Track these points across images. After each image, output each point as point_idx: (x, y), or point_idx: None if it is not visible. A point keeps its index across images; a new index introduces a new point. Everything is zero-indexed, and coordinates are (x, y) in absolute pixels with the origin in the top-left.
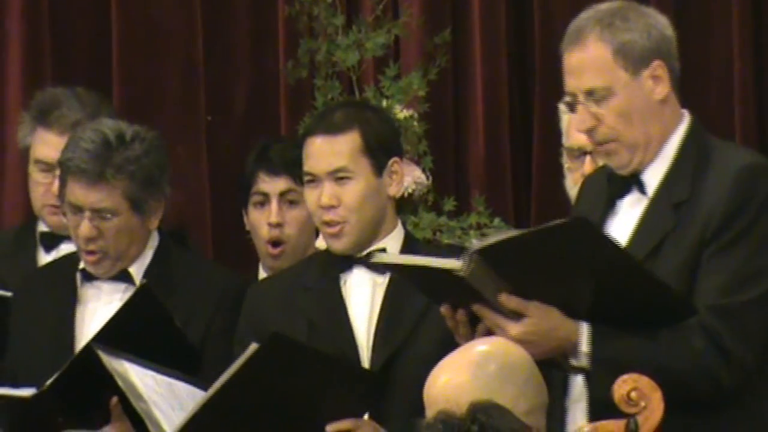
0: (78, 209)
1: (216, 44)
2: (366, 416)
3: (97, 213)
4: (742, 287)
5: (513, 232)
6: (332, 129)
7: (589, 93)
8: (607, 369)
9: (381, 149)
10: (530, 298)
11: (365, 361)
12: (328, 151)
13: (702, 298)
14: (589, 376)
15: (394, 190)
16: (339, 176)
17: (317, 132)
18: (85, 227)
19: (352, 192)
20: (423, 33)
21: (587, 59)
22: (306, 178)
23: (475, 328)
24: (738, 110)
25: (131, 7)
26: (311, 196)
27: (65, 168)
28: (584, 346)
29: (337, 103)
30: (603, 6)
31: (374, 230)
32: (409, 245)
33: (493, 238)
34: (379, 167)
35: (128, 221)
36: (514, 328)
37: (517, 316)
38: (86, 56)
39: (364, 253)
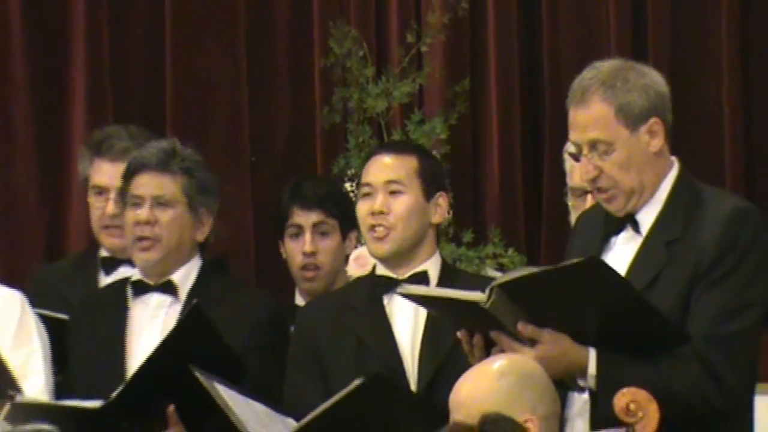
0: (140, 199)
1: (259, 92)
2: None
3: (157, 200)
4: (733, 319)
5: (533, 269)
6: (395, 150)
7: (593, 146)
8: (613, 390)
9: (432, 179)
10: (544, 326)
11: (411, 375)
12: (388, 165)
13: (696, 328)
14: (597, 396)
15: (437, 219)
16: (392, 189)
17: (381, 152)
18: (144, 213)
19: (402, 203)
20: (444, 82)
21: (591, 117)
22: (363, 190)
23: (488, 351)
24: (728, 156)
25: (183, 59)
26: (364, 206)
27: (133, 165)
28: (592, 369)
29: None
30: (605, 66)
31: (414, 246)
32: (447, 271)
33: (514, 274)
34: (428, 193)
35: (182, 217)
36: (530, 353)
37: (531, 342)
38: (143, 102)
39: (406, 275)
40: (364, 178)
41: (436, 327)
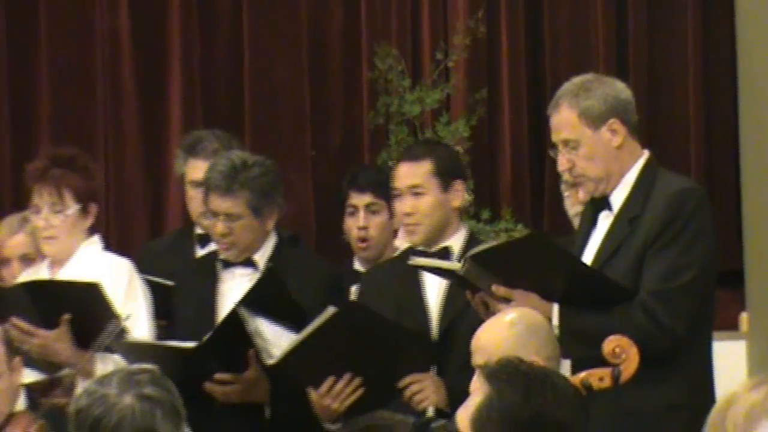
0: (215, 214)
1: (318, 99)
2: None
3: (228, 217)
4: (674, 277)
5: (494, 243)
6: (412, 158)
7: (565, 143)
8: (573, 337)
9: (448, 173)
10: (515, 287)
11: (434, 328)
12: (409, 173)
13: (645, 285)
14: (561, 341)
15: (457, 203)
16: (415, 192)
17: (403, 160)
18: (220, 227)
19: (424, 203)
20: (466, 91)
21: (561, 120)
22: (394, 192)
23: (488, 309)
24: (693, 148)
25: (258, 72)
26: (397, 206)
27: (206, 185)
28: (555, 320)
29: (421, 140)
30: (576, 79)
31: (441, 231)
32: (470, 243)
33: (480, 247)
34: (445, 185)
35: (250, 223)
36: (516, 306)
37: (506, 300)
38: (226, 110)
39: (434, 249)
40: (393, 183)
41: (454, 291)
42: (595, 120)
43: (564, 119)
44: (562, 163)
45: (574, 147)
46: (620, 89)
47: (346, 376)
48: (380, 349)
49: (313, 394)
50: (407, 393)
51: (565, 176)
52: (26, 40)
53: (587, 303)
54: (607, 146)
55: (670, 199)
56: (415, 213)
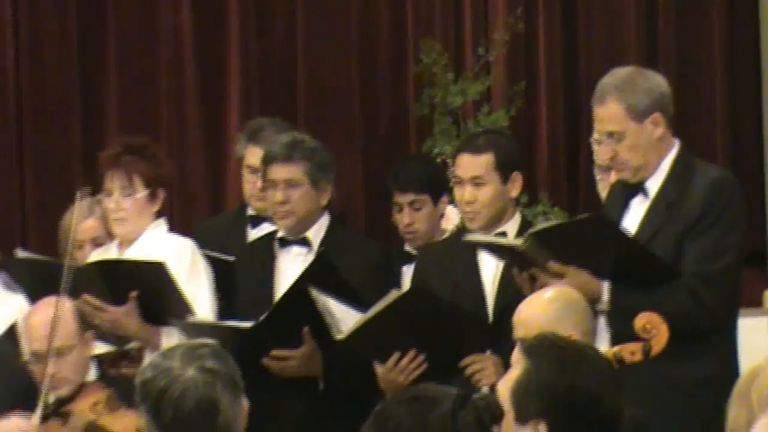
0: (275, 184)
1: (367, 92)
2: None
3: (287, 184)
4: (715, 259)
5: (555, 222)
6: (475, 150)
7: (610, 135)
8: (621, 313)
9: (508, 165)
10: (569, 264)
11: (490, 310)
12: (471, 164)
13: (687, 267)
14: (610, 317)
15: (514, 193)
16: (476, 182)
17: (466, 150)
18: (279, 195)
19: (484, 194)
20: (506, 84)
21: (608, 113)
22: (455, 178)
23: (534, 284)
24: (719, 138)
25: (311, 67)
26: (457, 192)
27: (268, 157)
28: (605, 296)
29: (483, 130)
30: (620, 73)
31: (498, 219)
32: (522, 229)
33: (543, 225)
34: (505, 177)
35: (308, 193)
36: (558, 284)
37: (559, 276)
38: (281, 103)
39: (471, 236)
40: (455, 170)
41: (509, 274)
42: (639, 114)
43: (610, 112)
44: (605, 152)
45: (619, 139)
46: (661, 83)
47: (411, 352)
48: (443, 329)
49: (379, 369)
50: (468, 371)
51: (599, 162)
52: (96, 38)
53: (635, 281)
54: (649, 138)
55: (710, 186)
56: (475, 202)
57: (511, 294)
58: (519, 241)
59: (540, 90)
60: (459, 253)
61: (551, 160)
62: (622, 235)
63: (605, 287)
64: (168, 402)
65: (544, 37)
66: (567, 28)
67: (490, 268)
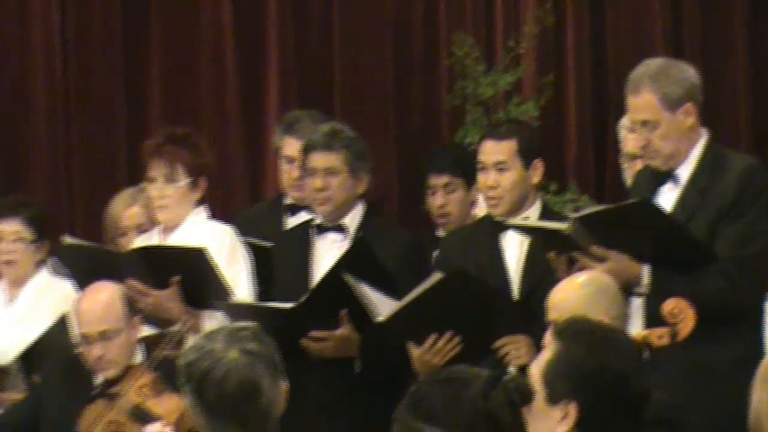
0: (314, 172)
1: (401, 83)
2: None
3: (326, 171)
4: (750, 243)
5: (600, 207)
6: (499, 136)
7: (643, 123)
8: (660, 296)
9: (530, 152)
10: (610, 248)
11: (516, 291)
12: (495, 150)
13: (722, 251)
14: (649, 300)
15: (536, 179)
16: (500, 167)
17: (490, 137)
18: (318, 182)
19: (507, 179)
20: (535, 75)
21: (642, 103)
22: (479, 165)
23: (571, 268)
24: (742, 126)
25: (347, 60)
26: (481, 178)
27: (308, 145)
28: (645, 279)
29: (507, 120)
30: (653, 63)
31: (520, 204)
32: (544, 215)
33: (588, 210)
34: (527, 163)
35: (345, 181)
36: (599, 267)
37: (601, 260)
38: (318, 94)
39: (514, 219)
40: (479, 156)
41: (534, 256)
42: (673, 104)
43: (644, 102)
44: (638, 140)
45: (652, 127)
46: (693, 74)
47: (448, 334)
48: (479, 311)
49: (415, 351)
50: (502, 351)
51: (627, 150)
52: (140, 33)
53: (674, 264)
54: (680, 127)
55: (742, 172)
56: (499, 187)
57: (536, 276)
58: (564, 226)
59: (568, 81)
60: (482, 237)
61: (579, 149)
62: (666, 219)
63: (645, 271)
64: (211, 383)
65: (573, 29)
66: (594, 20)
67: (513, 252)
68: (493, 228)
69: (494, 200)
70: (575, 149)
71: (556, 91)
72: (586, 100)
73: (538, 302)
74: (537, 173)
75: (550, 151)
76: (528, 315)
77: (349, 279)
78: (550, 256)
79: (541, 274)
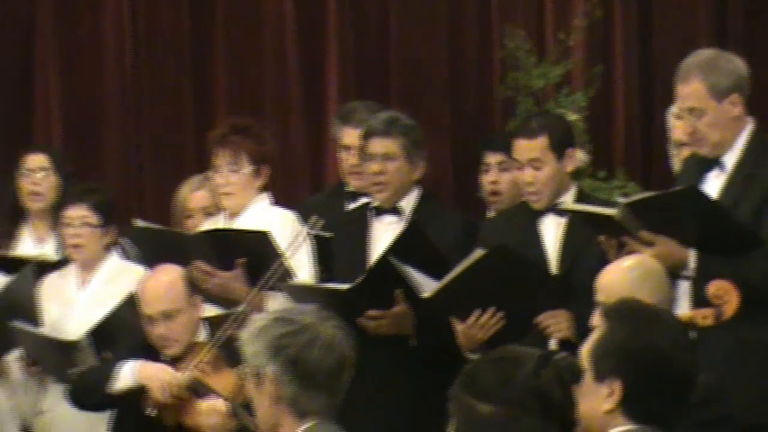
0: (372, 157)
1: (456, 74)
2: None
3: (384, 157)
4: None
5: (648, 193)
6: (530, 134)
7: (691, 111)
8: (706, 279)
9: (562, 144)
10: (658, 233)
11: (554, 269)
12: (528, 147)
13: (766, 236)
14: (695, 283)
15: (570, 168)
16: (534, 165)
17: (521, 135)
18: (375, 167)
19: (543, 174)
20: (585, 67)
21: (690, 91)
22: (515, 164)
23: (620, 251)
24: None
25: (404, 51)
26: (518, 175)
27: (367, 132)
28: (692, 263)
29: (534, 113)
30: (703, 54)
31: (557, 193)
32: (580, 198)
33: (637, 196)
34: (560, 155)
35: (402, 166)
36: (647, 251)
37: (649, 244)
38: (375, 85)
39: (566, 204)
40: (514, 155)
41: (572, 236)
42: (720, 93)
43: (693, 90)
44: (686, 127)
45: (699, 115)
46: (741, 66)
47: (491, 310)
48: (521, 287)
49: (459, 326)
50: (543, 324)
51: (674, 138)
52: (205, 25)
53: (720, 249)
54: (727, 116)
55: None
56: (536, 183)
57: (574, 254)
58: (613, 211)
59: (616, 72)
60: (521, 220)
61: (627, 137)
62: (712, 205)
63: (692, 255)
64: (311, 356)
65: (620, 21)
66: (641, 12)
67: (551, 233)
68: (531, 212)
69: (534, 195)
70: (623, 137)
71: (605, 82)
72: (634, 90)
73: (577, 278)
74: (571, 162)
75: (598, 139)
76: (567, 291)
77: (394, 261)
78: (601, 239)
79: (579, 252)
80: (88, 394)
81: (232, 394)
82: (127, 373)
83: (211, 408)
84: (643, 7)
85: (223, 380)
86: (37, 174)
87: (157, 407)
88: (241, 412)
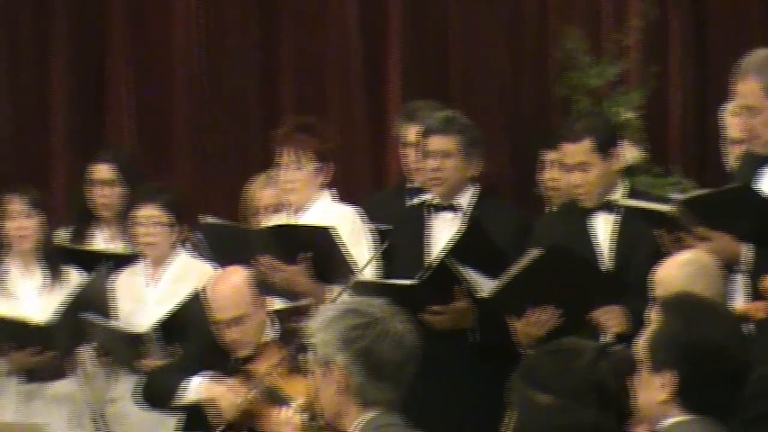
0: (430, 154)
1: (514, 74)
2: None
3: (442, 154)
4: None
5: (704, 191)
6: (574, 138)
7: (747, 109)
8: (761, 273)
9: (607, 144)
10: (714, 228)
11: (606, 264)
12: (573, 151)
13: None
14: (751, 277)
15: (617, 166)
16: (581, 168)
17: (566, 139)
18: (434, 162)
19: (589, 176)
20: (640, 66)
21: (747, 89)
22: (564, 167)
23: (678, 246)
24: None
25: (463, 53)
26: (567, 177)
27: (425, 129)
28: (748, 258)
29: (578, 115)
30: (762, 53)
31: (605, 192)
32: (630, 194)
33: (692, 193)
34: (606, 155)
35: (459, 163)
36: (703, 246)
37: (704, 239)
38: (436, 85)
39: (623, 200)
40: (561, 158)
41: (624, 232)
42: None
43: (749, 89)
44: (743, 125)
45: (755, 113)
46: None
47: (547, 307)
48: (576, 284)
49: (517, 323)
50: (598, 320)
51: (729, 135)
52: (271, 27)
53: None
54: None
55: None
56: (584, 184)
57: (627, 250)
58: (668, 207)
59: (671, 70)
60: (571, 218)
61: (682, 135)
62: (766, 203)
63: (747, 250)
64: (382, 348)
65: (676, 21)
66: (696, 12)
67: (602, 230)
68: (582, 210)
69: (583, 196)
70: (678, 135)
71: (660, 80)
72: (688, 88)
73: (630, 274)
74: (617, 160)
75: (654, 136)
76: (621, 286)
77: (452, 262)
78: (659, 234)
79: (632, 248)
80: (156, 402)
81: (307, 399)
82: (194, 389)
83: (286, 418)
84: (698, 6)
85: (296, 385)
86: (104, 187)
87: (224, 425)
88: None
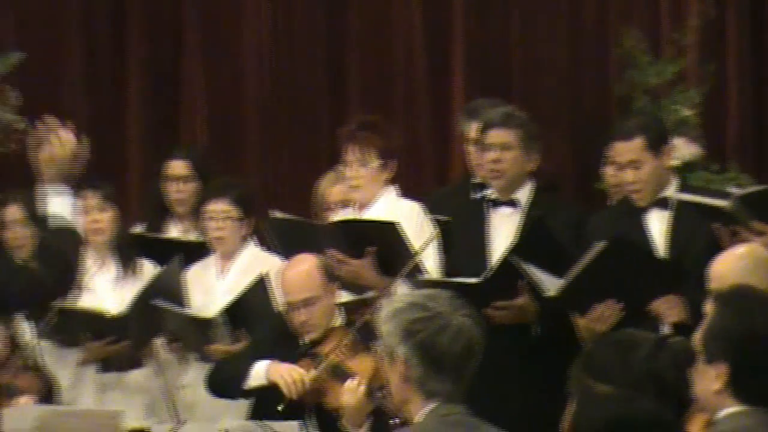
0: (490, 147)
1: (575, 72)
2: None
3: (502, 147)
4: None
5: (760, 187)
6: (626, 136)
7: None
8: None
9: (658, 142)
10: None
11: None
12: (625, 150)
13: None
14: None
15: (669, 163)
16: (634, 166)
17: (618, 138)
18: (494, 155)
19: (643, 174)
20: (698, 64)
21: None
22: (615, 165)
23: (734, 239)
24: None
25: (526, 52)
26: (620, 175)
27: (486, 123)
28: None
29: (628, 117)
30: None
31: (658, 189)
32: (684, 190)
33: (749, 189)
34: (657, 153)
35: (518, 156)
36: (759, 240)
37: (760, 234)
38: (498, 84)
39: (652, 201)
40: (613, 156)
41: (678, 226)
42: None
43: None
44: None
45: None
46: None
47: (610, 302)
48: (636, 276)
49: (581, 320)
50: (657, 310)
51: None
52: (339, 27)
53: None
54: None
55: None
56: (637, 182)
57: (683, 242)
58: (724, 202)
59: (729, 69)
60: (625, 215)
61: (740, 132)
62: None
63: None
64: (442, 341)
65: (734, 20)
66: (754, 11)
67: (656, 226)
68: (635, 207)
69: (637, 193)
70: (736, 132)
71: (718, 79)
72: (746, 85)
73: (687, 264)
74: (668, 157)
75: (712, 133)
76: (680, 275)
77: (516, 260)
78: (716, 227)
79: (687, 243)
80: (224, 388)
81: (371, 376)
82: (260, 372)
83: (350, 388)
84: (755, 5)
85: (361, 363)
86: (179, 183)
87: (288, 403)
88: (379, 393)
